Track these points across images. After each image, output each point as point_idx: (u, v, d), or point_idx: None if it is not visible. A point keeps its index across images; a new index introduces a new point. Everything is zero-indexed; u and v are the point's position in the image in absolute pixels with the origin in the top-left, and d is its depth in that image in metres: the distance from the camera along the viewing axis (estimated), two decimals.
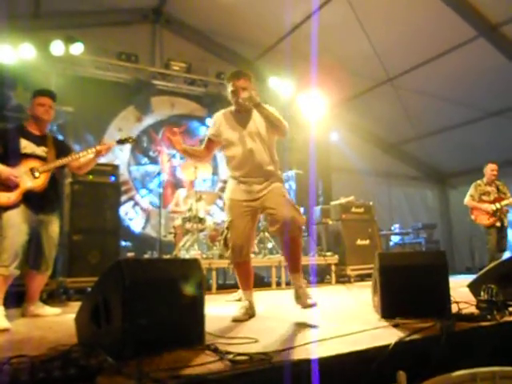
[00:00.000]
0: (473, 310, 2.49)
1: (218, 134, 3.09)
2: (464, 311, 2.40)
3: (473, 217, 5.97)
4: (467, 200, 6.04)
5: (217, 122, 3.13)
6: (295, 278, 2.87)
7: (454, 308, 2.44)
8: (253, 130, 3.03)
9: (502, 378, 1.55)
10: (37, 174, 3.15)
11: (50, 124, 3.58)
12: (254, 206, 2.96)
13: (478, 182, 6.08)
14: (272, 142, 3.08)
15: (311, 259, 5.99)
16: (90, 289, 4.41)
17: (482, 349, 2.10)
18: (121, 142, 3.57)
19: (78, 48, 6.23)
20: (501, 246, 5.83)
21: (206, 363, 1.64)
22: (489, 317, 2.28)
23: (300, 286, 2.85)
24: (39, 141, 3.27)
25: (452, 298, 2.48)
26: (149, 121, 7.57)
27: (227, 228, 2.99)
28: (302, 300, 2.80)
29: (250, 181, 2.97)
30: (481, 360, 1.76)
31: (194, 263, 2.10)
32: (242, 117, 3.06)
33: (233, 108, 3.13)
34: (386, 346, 1.82)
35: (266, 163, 2.99)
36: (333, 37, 6.81)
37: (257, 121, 3.04)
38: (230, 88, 3.06)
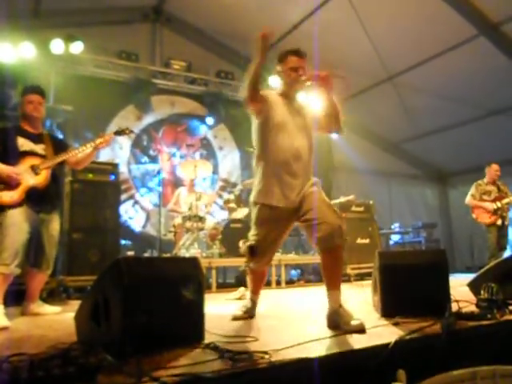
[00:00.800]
0: (473, 308, 2.49)
1: (269, 107, 2.62)
2: (464, 310, 2.40)
3: (474, 215, 5.99)
4: (468, 199, 6.06)
5: (270, 97, 2.67)
6: (334, 296, 2.40)
7: (454, 307, 2.43)
8: (303, 123, 2.70)
9: (503, 376, 1.54)
10: (38, 171, 3.15)
11: (43, 121, 3.56)
12: (291, 214, 2.60)
13: (479, 181, 6.10)
14: (313, 140, 2.75)
15: (312, 258, 5.99)
16: (89, 287, 4.42)
17: (483, 347, 2.09)
18: (118, 133, 3.57)
19: (78, 47, 6.21)
20: (501, 245, 5.85)
21: (205, 361, 1.64)
22: (489, 316, 2.28)
23: (340, 304, 2.36)
24: (36, 139, 3.27)
25: (452, 297, 2.48)
26: (149, 120, 7.57)
27: (259, 240, 2.64)
28: (344, 320, 2.25)
29: (295, 183, 2.59)
30: (481, 359, 1.75)
31: (193, 262, 2.09)
32: (292, 105, 2.72)
33: (279, 91, 2.76)
34: (386, 345, 1.81)
35: (310, 167, 2.70)
36: (333, 35, 6.79)
37: (305, 112, 2.76)
38: (289, 64, 2.66)
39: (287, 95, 2.73)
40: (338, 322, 2.28)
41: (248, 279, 2.97)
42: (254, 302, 2.93)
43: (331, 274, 2.45)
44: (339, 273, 2.50)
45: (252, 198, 2.73)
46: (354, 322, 2.21)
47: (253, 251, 2.68)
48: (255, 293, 2.94)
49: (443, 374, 1.60)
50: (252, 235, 2.71)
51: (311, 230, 2.47)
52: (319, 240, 2.42)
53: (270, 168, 2.62)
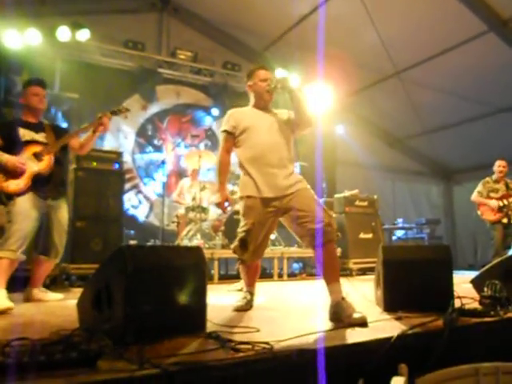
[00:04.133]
0: (476, 305, 2.48)
1: (237, 124, 2.87)
2: (467, 306, 2.38)
3: (479, 212, 5.93)
4: (474, 196, 5.98)
5: (232, 114, 2.94)
6: (335, 288, 2.42)
7: (457, 303, 2.42)
8: (273, 124, 2.86)
9: (505, 373, 1.54)
10: (41, 157, 3.16)
11: (45, 111, 3.60)
12: (279, 207, 2.68)
13: (487, 178, 6.02)
14: (291, 140, 2.90)
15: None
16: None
17: (485, 344, 2.09)
18: (115, 112, 3.59)
19: (84, 34, 6.19)
20: (506, 243, 5.77)
21: (207, 350, 1.64)
22: (492, 312, 2.27)
23: (342, 297, 2.36)
24: (37, 128, 3.30)
25: (455, 293, 2.47)
26: (154, 109, 7.55)
27: (248, 230, 2.72)
28: (346, 313, 2.24)
29: (275, 172, 2.71)
30: (483, 355, 1.75)
31: (196, 251, 2.09)
32: (261, 112, 2.92)
33: (250, 105, 3.00)
34: (388, 339, 1.81)
35: (288, 160, 2.80)
36: (340, 28, 6.73)
37: (277, 116, 2.92)
38: (259, 77, 2.90)
39: (258, 105, 2.96)
40: (340, 314, 2.28)
41: (242, 274, 3.01)
42: (251, 293, 2.97)
43: (329, 268, 2.49)
44: (337, 265, 2.56)
45: (238, 193, 2.90)
46: (356, 315, 2.20)
47: (243, 244, 2.75)
48: (251, 285, 3.00)
49: (445, 369, 1.60)
50: (240, 228, 2.80)
51: (302, 228, 2.57)
52: (312, 237, 2.49)
53: (248, 164, 2.80)
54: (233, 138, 2.89)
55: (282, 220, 2.79)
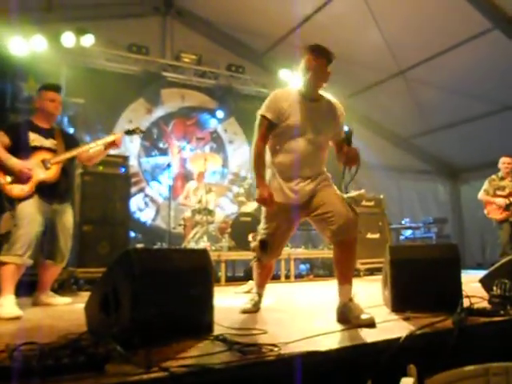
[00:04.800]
0: (485, 304, 2.45)
1: (281, 115, 2.55)
2: (476, 306, 2.36)
3: (485, 211, 5.87)
4: (481, 194, 5.92)
5: (278, 99, 2.60)
6: (345, 290, 2.39)
7: (466, 302, 2.40)
8: (322, 121, 2.60)
9: None
10: (48, 166, 3.17)
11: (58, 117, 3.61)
12: (301, 208, 2.60)
13: (493, 176, 5.95)
14: (328, 144, 2.73)
15: (322, 252, 5.97)
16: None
17: (495, 344, 2.06)
18: (129, 132, 3.61)
19: (88, 40, 6.23)
20: None
21: (214, 353, 1.64)
22: (502, 312, 2.25)
23: (350, 298, 2.35)
24: (47, 134, 3.30)
25: (464, 293, 2.45)
26: (159, 113, 7.57)
27: (270, 234, 2.66)
28: (354, 314, 2.24)
29: (297, 182, 2.58)
30: (493, 355, 1.73)
31: (203, 254, 2.09)
32: (311, 105, 2.61)
33: (301, 89, 2.63)
34: (396, 339, 1.80)
35: (321, 165, 2.71)
36: (344, 28, 6.73)
37: (328, 109, 2.65)
38: (316, 61, 2.55)
39: (310, 90, 2.62)
40: (347, 315, 2.27)
41: (255, 273, 2.96)
42: (260, 296, 2.94)
43: (344, 268, 2.44)
44: (352, 266, 2.49)
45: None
46: (363, 316, 2.19)
47: (264, 245, 2.70)
48: (262, 286, 2.96)
49: (455, 369, 1.59)
50: (262, 229, 2.73)
51: (324, 223, 2.46)
52: (333, 233, 2.40)
53: (277, 168, 2.64)
54: (272, 126, 2.59)
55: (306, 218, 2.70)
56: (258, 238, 2.76)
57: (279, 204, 2.58)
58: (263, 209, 2.74)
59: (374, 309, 2.69)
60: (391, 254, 2.56)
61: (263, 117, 2.61)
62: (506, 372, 1.51)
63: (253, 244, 2.87)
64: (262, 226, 2.75)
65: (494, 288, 2.52)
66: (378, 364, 1.69)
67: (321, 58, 2.58)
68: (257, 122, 2.66)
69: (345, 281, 2.40)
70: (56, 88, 3.40)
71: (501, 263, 2.93)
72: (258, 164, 2.65)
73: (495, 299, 2.43)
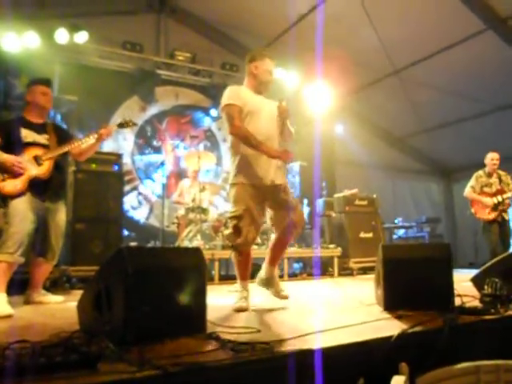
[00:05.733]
0: (476, 303, 2.47)
1: (243, 104, 2.89)
2: (467, 305, 2.38)
3: (473, 210, 5.62)
4: (467, 191, 5.68)
5: (238, 92, 2.96)
6: (274, 270, 3.12)
7: (458, 301, 2.42)
8: (271, 114, 2.96)
9: (506, 371, 1.54)
10: (41, 162, 3.15)
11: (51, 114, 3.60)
12: (266, 193, 2.91)
13: (480, 172, 5.72)
14: (280, 130, 3.02)
15: (315, 251, 5.98)
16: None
17: (485, 342, 2.08)
18: (121, 125, 3.59)
19: (82, 37, 6.19)
20: (506, 243, 5.43)
21: (207, 351, 1.64)
22: (492, 310, 2.27)
23: (276, 276, 3.15)
24: (40, 129, 3.28)
25: (455, 292, 2.47)
26: (153, 111, 7.55)
27: (240, 216, 2.82)
28: (276, 288, 3.07)
29: (270, 162, 2.87)
30: (484, 353, 1.75)
31: (196, 252, 2.09)
32: (261, 98, 3.03)
33: (247, 85, 3.05)
34: (388, 338, 1.81)
35: (278, 147, 2.96)
36: (339, 28, 6.74)
37: (272, 106, 2.99)
38: (265, 66, 3.00)
39: (257, 90, 3.04)
40: (270, 285, 3.08)
41: (236, 266, 3.02)
42: (247, 290, 2.98)
43: (279, 254, 3.14)
44: (283, 255, 3.37)
45: (231, 180, 2.96)
46: (283, 293, 3.04)
47: (237, 230, 2.84)
48: (245, 278, 3.01)
49: (446, 367, 1.60)
50: (232, 213, 2.89)
51: (280, 218, 2.93)
52: (293, 223, 2.91)
53: (246, 149, 2.87)
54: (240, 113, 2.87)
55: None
56: (230, 224, 2.90)
57: (246, 185, 2.88)
58: (231, 195, 2.93)
59: (367, 307, 2.71)
60: (384, 254, 2.57)
61: (233, 105, 2.93)
62: (496, 370, 1.53)
63: (226, 232, 3.03)
64: (231, 211, 2.92)
65: (485, 287, 2.55)
66: (370, 362, 1.70)
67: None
68: (228, 112, 2.93)
69: (275, 263, 3.12)
70: (46, 82, 3.40)
71: (492, 262, 2.96)
72: (255, 139, 2.85)
73: (486, 298, 2.45)
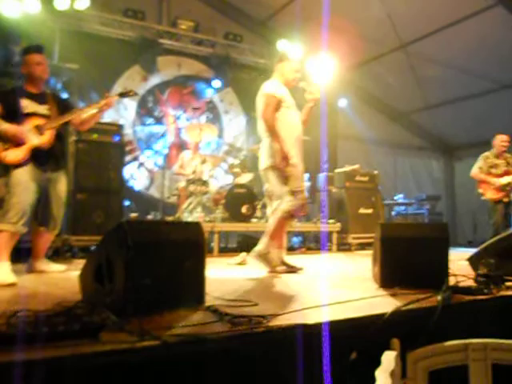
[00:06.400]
0: (471, 283, 2.52)
1: (283, 97, 3.45)
2: (462, 284, 2.43)
3: (480, 190, 5.71)
4: (475, 172, 5.75)
5: (279, 86, 3.50)
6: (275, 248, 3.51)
7: (453, 281, 2.47)
8: (296, 107, 3.58)
9: (493, 349, 1.59)
10: (42, 131, 3.15)
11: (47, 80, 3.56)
12: None
13: (487, 153, 5.78)
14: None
15: (320, 226, 6.01)
16: (93, 247, 4.48)
17: (477, 321, 2.14)
18: (122, 95, 3.57)
19: (83, 3, 6.08)
20: (508, 222, 5.57)
21: (205, 323, 1.68)
22: (485, 291, 2.31)
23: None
24: (40, 99, 3.25)
25: (451, 271, 2.51)
26: (154, 80, 7.47)
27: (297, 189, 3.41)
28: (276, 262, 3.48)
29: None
30: (475, 332, 1.79)
31: (196, 227, 2.12)
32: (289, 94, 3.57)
33: (280, 81, 3.55)
34: (382, 315, 1.85)
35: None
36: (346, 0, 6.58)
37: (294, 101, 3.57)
38: (293, 66, 3.57)
39: (287, 86, 3.59)
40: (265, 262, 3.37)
41: (280, 229, 3.46)
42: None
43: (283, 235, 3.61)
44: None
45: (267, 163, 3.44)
46: (279, 268, 3.39)
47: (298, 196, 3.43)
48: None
49: (436, 344, 1.65)
50: (296, 188, 3.42)
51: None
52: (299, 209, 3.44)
53: (288, 138, 3.42)
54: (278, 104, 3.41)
55: None
56: (298, 195, 3.40)
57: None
58: (282, 173, 3.40)
59: (363, 284, 2.77)
60: (381, 232, 2.60)
61: (274, 97, 3.49)
62: (484, 348, 1.58)
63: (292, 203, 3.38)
64: (293, 186, 3.39)
65: (481, 267, 2.59)
66: (364, 338, 1.75)
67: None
68: (266, 100, 3.50)
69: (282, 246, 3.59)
70: (38, 49, 3.30)
71: (489, 243, 2.99)
72: (277, 131, 3.42)
73: (481, 278, 2.49)
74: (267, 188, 3.52)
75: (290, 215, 3.42)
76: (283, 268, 3.44)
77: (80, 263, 2.22)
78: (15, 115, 3.08)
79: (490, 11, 6.30)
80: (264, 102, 3.43)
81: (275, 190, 3.43)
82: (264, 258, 3.36)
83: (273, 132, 3.36)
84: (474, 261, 2.89)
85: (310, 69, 7.64)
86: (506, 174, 5.61)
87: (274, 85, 3.49)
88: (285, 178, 3.38)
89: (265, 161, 3.45)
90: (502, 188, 5.56)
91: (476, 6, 6.32)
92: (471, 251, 3.08)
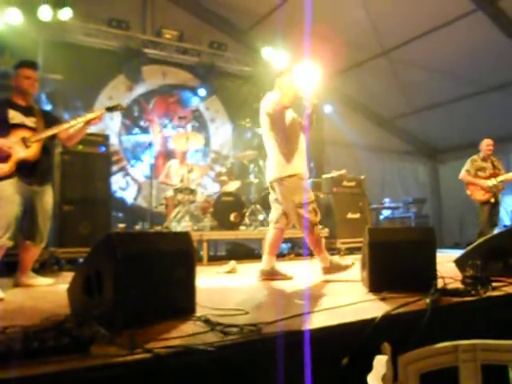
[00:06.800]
0: (458, 285, 2.55)
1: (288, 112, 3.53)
2: (449, 286, 2.46)
3: (468, 192, 5.92)
4: (463, 174, 5.96)
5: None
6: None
7: (441, 283, 2.50)
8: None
9: (483, 350, 1.61)
10: (29, 144, 3.11)
11: (35, 95, 3.53)
12: None
13: (474, 157, 6.01)
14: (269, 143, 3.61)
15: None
16: (81, 259, 4.43)
17: (466, 322, 2.16)
18: (110, 109, 3.55)
19: (66, 13, 6.05)
20: (493, 222, 5.83)
21: (196, 334, 1.68)
22: (473, 292, 2.34)
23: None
24: (27, 112, 3.23)
25: (438, 273, 2.54)
26: (140, 90, 7.44)
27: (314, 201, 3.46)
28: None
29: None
30: (464, 333, 1.82)
31: (185, 237, 2.11)
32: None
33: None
34: (372, 319, 1.87)
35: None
36: (328, 6, 6.65)
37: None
38: (293, 83, 3.63)
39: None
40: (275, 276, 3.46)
41: (321, 240, 3.49)
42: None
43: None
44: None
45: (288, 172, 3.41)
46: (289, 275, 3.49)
47: (315, 210, 3.45)
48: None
49: (426, 346, 1.66)
50: (310, 199, 3.41)
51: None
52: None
53: (295, 152, 3.48)
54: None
55: None
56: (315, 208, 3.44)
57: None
58: (297, 185, 3.42)
59: (352, 288, 2.78)
60: (370, 236, 2.63)
61: (285, 107, 3.55)
62: (473, 349, 1.59)
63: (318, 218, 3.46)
64: (308, 198, 3.40)
65: (467, 269, 2.63)
66: (355, 343, 1.76)
67: None
68: (279, 106, 3.51)
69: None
70: (31, 65, 3.32)
71: (475, 245, 3.04)
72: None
73: (467, 280, 2.53)
74: (275, 197, 3.54)
75: (311, 226, 3.41)
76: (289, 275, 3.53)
77: (67, 276, 2.20)
78: (2, 126, 3.06)
79: (470, 17, 6.43)
80: (279, 115, 3.47)
81: (284, 202, 3.44)
82: (271, 274, 3.46)
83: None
84: (460, 263, 2.93)
85: (296, 76, 7.69)
86: (493, 176, 5.84)
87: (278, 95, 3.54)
88: (294, 190, 3.38)
89: (272, 173, 3.47)
90: (488, 189, 5.78)
91: (456, 11, 6.45)
92: (458, 253, 3.12)
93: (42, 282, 3.39)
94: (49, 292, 3.08)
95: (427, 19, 6.75)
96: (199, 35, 7.78)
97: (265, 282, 3.36)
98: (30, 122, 3.20)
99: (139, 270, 1.84)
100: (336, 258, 3.78)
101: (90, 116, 3.34)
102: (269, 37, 7.64)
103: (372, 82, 8.54)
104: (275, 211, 3.55)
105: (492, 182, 5.78)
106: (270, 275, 3.46)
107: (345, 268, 3.43)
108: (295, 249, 6.65)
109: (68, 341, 1.44)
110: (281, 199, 3.44)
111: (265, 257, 3.54)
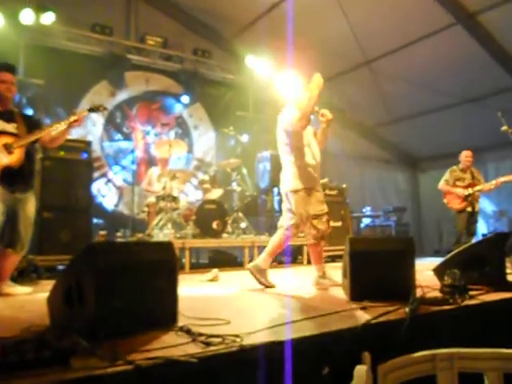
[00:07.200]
0: (437, 293, 2.61)
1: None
2: (428, 295, 2.50)
3: (445, 200, 6.10)
4: (441, 184, 6.14)
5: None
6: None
7: (420, 292, 2.54)
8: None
9: (460, 358, 1.64)
10: (11, 150, 3.07)
11: (14, 99, 3.48)
12: None
13: (454, 167, 6.19)
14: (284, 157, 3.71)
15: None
16: (60, 267, 4.35)
17: (444, 331, 2.21)
18: (92, 110, 3.53)
19: (48, 17, 5.98)
20: (471, 231, 6.00)
21: (179, 345, 1.68)
22: (451, 301, 2.40)
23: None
24: (7, 117, 3.18)
25: (417, 283, 2.59)
26: (122, 96, 7.40)
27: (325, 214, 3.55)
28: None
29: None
30: (442, 341, 1.86)
31: (167, 247, 2.11)
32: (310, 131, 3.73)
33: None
34: (353, 328, 1.89)
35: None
36: (311, 17, 6.75)
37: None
38: (316, 91, 3.59)
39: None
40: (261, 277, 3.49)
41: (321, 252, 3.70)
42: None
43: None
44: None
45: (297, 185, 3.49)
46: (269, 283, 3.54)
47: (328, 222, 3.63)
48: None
49: (405, 355, 1.69)
50: (319, 212, 3.51)
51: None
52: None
53: (309, 166, 3.60)
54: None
55: None
56: (324, 219, 3.54)
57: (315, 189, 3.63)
58: (305, 196, 3.51)
59: (334, 297, 2.81)
60: (351, 246, 2.66)
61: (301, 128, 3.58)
62: (450, 357, 1.63)
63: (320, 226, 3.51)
64: (318, 209, 3.50)
65: (445, 278, 2.68)
66: (336, 352, 1.78)
67: None
68: (298, 122, 3.52)
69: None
70: (7, 68, 3.25)
71: (452, 254, 3.11)
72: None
73: (446, 288, 2.58)
74: (289, 208, 3.59)
75: (320, 237, 3.55)
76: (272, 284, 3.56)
77: (46, 284, 2.18)
78: None
79: (449, 30, 6.60)
80: (292, 120, 3.53)
81: (297, 212, 3.50)
82: (261, 273, 3.51)
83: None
84: (439, 271, 2.99)
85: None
86: (471, 186, 6.01)
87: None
88: (308, 201, 3.46)
89: (287, 185, 3.55)
90: (464, 198, 5.94)
91: (436, 25, 6.62)
92: (437, 260, 3.18)
93: (21, 290, 3.33)
94: (27, 301, 3.03)
95: (407, 32, 6.90)
96: (183, 42, 7.79)
97: (246, 290, 3.36)
98: (10, 127, 3.16)
99: (121, 280, 1.83)
100: None
101: (72, 118, 3.32)
102: (252, 45, 7.70)
103: (353, 91, 8.67)
104: (287, 220, 3.60)
105: (468, 191, 5.95)
106: (259, 273, 3.50)
107: (337, 284, 3.43)
108: (278, 257, 6.65)
109: (48, 353, 1.42)
110: (295, 210, 3.49)
111: (263, 255, 3.59)
